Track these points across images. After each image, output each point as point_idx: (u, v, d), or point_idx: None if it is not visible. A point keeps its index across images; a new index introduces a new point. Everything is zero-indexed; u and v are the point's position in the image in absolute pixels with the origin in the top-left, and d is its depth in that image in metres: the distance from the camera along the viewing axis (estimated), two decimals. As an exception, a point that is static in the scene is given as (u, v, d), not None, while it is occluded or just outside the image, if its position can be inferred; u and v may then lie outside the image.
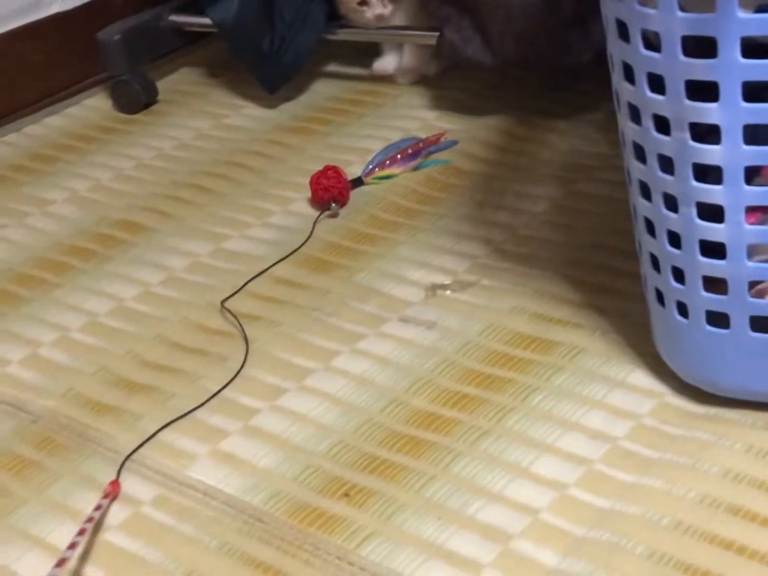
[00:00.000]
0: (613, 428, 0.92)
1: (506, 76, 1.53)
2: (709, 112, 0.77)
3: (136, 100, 1.63)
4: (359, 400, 1.00)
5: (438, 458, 0.91)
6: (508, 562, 0.81)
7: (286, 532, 0.86)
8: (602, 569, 0.79)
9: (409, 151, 1.36)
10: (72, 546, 0.84)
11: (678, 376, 0.93)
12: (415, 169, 1.36)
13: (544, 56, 1.35)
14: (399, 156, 1.36)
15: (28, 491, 0.94)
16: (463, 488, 0.88)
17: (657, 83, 0.79)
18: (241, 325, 1.11)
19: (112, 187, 1.44)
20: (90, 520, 0.87)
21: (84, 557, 0.87)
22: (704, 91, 0.78)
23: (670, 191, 0.83)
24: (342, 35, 1.58)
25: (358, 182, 1.34)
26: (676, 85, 0.78)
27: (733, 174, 0.79)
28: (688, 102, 0.78)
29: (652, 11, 0.77)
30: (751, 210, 0.81)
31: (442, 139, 1.39)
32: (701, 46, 0.76)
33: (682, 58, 0.76)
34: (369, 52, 1.62)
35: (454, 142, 1.40)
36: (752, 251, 0.82)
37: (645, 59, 0.79)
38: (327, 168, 1.31)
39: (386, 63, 1.61)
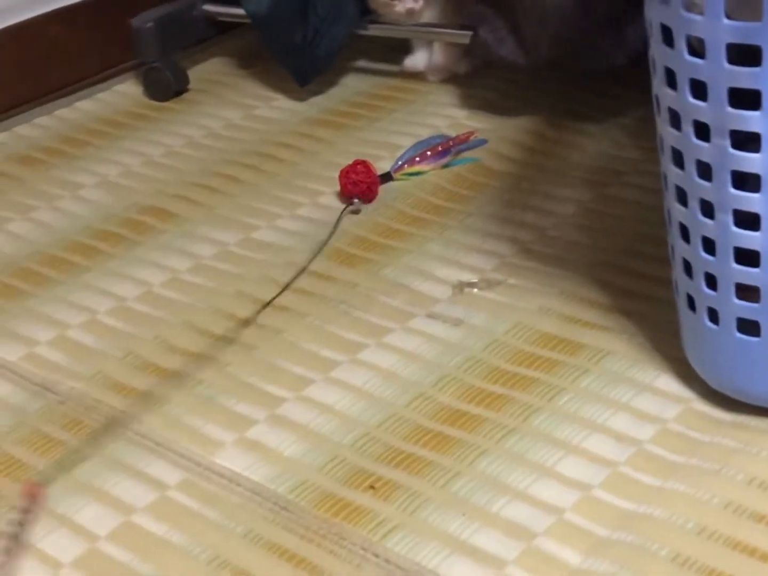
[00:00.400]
0: (638, 431, 0.92)
1: (537, 76, 1.54)
2: (750, 120, 0.78)
3: (166, 87, 1.64)
4: (385, 393, 1.00)
5: (463, 454, 0.92)
6: (531, 560, 0.82)
7: (311, 522, 0.87)
8: (626, 570, 0.79)
9: (439, 148, 1.37)
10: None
11: (705, 382, 0.94)
12: (445, 166, 1.37)
13: (578, 58, 1.35)
14: (429, 153, 1.36)
15: (55, 471, 0.95)
16: (488, 485, 0.88)
17: (699, 89, 0.80)
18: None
19: (141, 173, 1.45)
20: (12, 536, 0.85)
21: (110, 538, 0.88)
22: (746, 98, 0.78)
23: (707, 197, 0.83)
24: (374, 31, 1.58)
25: (387, 178, 1.34)
26: (718, 92, 0.78)
27: (772, 183, 0.79)
28: (729, 109, 0.78)
29: (698, 17, 0.77)
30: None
31: (472, 138, 1.39)
32: (745, 54, 0.76)
33: (726, 65, 0.77)
34: (400, 48, 1.63)
35: (484, 141, 1.40)
36: (786, 260, 0.82)
37: (688, 65, 0.79)
38: (357, 162, 1.32)
39: (417, 60, 1.62)
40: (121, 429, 0.99)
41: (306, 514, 0.88)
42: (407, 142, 1.43)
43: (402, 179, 1.35)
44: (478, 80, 1.57)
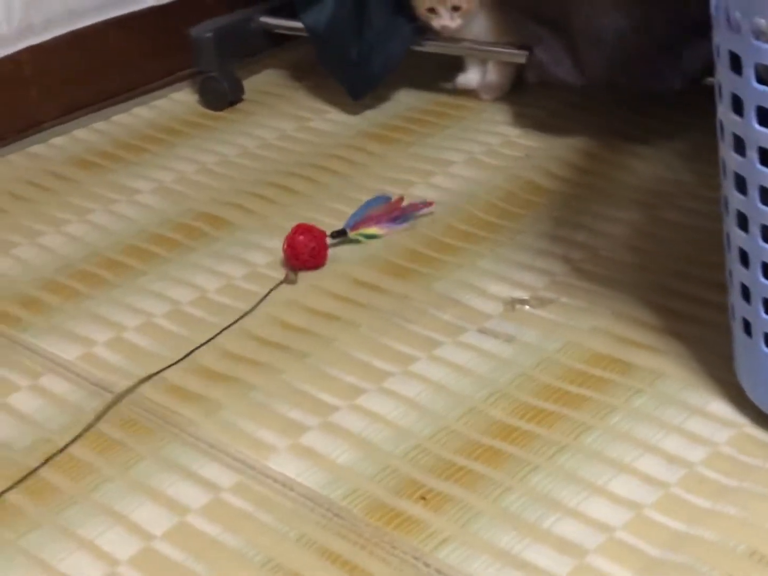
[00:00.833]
0: (690, 454, 0.93)
1: (589, 97, 1.55)
2: (816, 149, 0.78)
3: (222, 97, 1.66)
4: (436, 406, 1.01)
5: (515, 470, 0.93)
6: (582, 576, 0.82)
7: (364, 529, 0.88)
8: (677, 591, 0.80)
9: (396, 213, 1.30)
10: None
11: (758, 408, 0.94)
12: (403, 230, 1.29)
13: (634, 81, 1.36)
14: (384, 217, 1.29)
15: (112, 470, 0.97)
16: (539, 501, 0.89)
17: (765, 117, 0.80)
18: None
19: (196, 180, 1.47)
20: None
21: (165, 537, 0.89)
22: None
23: (769, 224, 0.84)
24: (429, 47, 1.60)
25: (341, 234, 1.27)
26: (785, 120, 0.79)
27: (835, 211, 0.80)
28: (796, 137, 0.79)
29: (767, 46, 0.78)
30: None
31: (427, 209, 1.32)
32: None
33: (794, 94, 0.78)
34: (453, 65, 1.64)
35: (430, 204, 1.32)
36: None
37: (756, 92, 0.80)
38: (302, 230, 1.24)
39: (470, 78, 1.63)
40: (176, 430, 1.01)
41: (358, 521, 0.89)
42: (459, 158, 1.45)
43: (357, 239, 1.28)
44: (531, 99, 1.58)
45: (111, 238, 1.35)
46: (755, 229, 0.86)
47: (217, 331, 1.14)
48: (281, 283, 1.20)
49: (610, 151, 1.44)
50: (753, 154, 0.83)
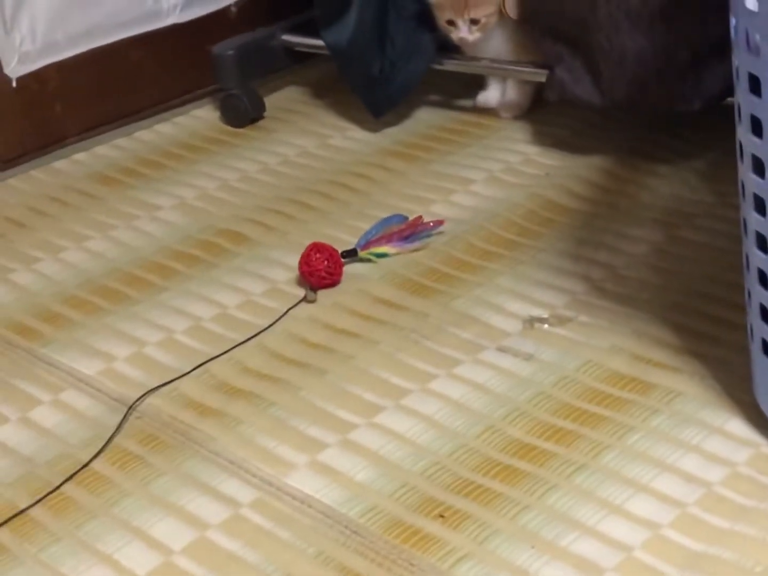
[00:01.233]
0: (708, 473, 0.93)
1: (609, 116, 1.55)
2: (836, 170, 0.79)
3: (243, 114, 1.68)
4: (455, 424, 1.02)
5: (533, 488, 0.93)
6: (600, 595, 0.83)
7: (382, 546, 0.88)
8: (695, 611, 0.80)
9: (406, 233, 1.30)
10: None
11: (777, 428, 0.94)
12: (411, 250, 1.29)
13: (655, 101, 1.36)
14: (395, 235, 1.29)
15: (132, 485, 0.98)
16: (557, 519, 0.89)
17: (785, 138, 0.81)
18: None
19: (217, 197, 1.48)
20: None
21: (184, 552, 0.90)
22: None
23: (788, 245, 0.84)
24: (450, 66, 1.61)
25: (351, 254, 1.27)
26: (804, 142, 0.79)
27: None
28: (815, 159, 0.79)
29: (787, 68, 0.78)
30: None
31: (438, 228, 1.32)
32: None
33: (814, 115, 0.78)
34: (473, 83, 1.65)
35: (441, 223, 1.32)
36: None
37: (775, 114, 0.80)
38: (317, 248, 1.24)
39: (489, 96, 1.64)
40: (195, 446, 1.01)
41: (376, 538, 0.89)
42: (479, 176, 1.45)
43: (367, 258, 1.28)
44: (550, 118, 1.59)
45: (132, 254, 1.36)
46: (775, 250, 0.86)
47: (235, 346, 1.14)
48: (300, 301, 1.21)
49: (629, 170, 1.44)
50: (772, 175, 0.83)
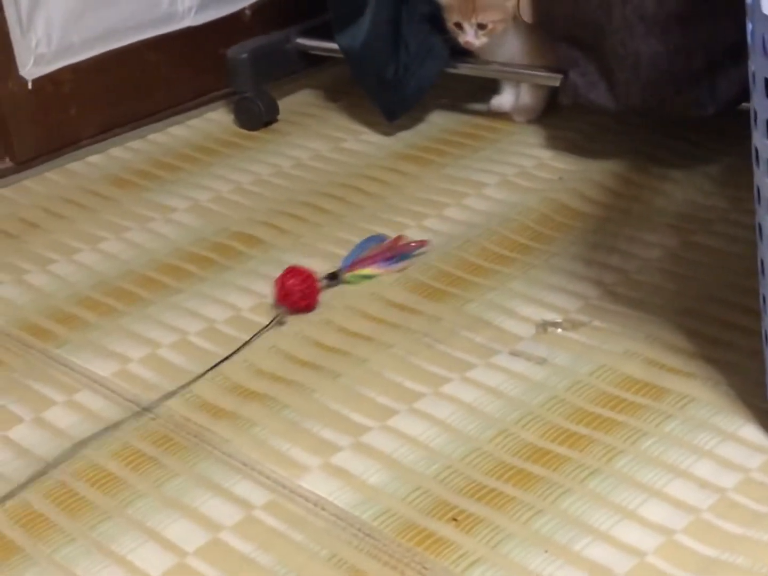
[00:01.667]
0: (721, 479, 0.92)
1: (623, 120, 1.55)
2: None
3: (257, 117, 1.68)
4: (468, 427, 1.02)
5: (546, 492, 0.93)
6: (613, 600, 0.82)
7: (395, 550, 0.89)
8: (708, 617, 0.80)
9: (388, 253, 1.28)
10: None
11: (791, 434, 0.94)
12: (397, 270, 1.27)
13: (669, 106, 1.36)
14: (378, 256, 1.27)
15: (146, 486, 0.98)
16: (570, 524, 0.89)
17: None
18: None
19: (231, 200, 1.49)
20: None
21: (198, 554, 0.90)
22: None
23: (804, 250, 0.84)
24: (463, 69, 1.61)
25: (334, 277, 1.25)
26: (821, 147, 0.79)
27: None
28: (831, 164, 0.79)
29: (803, 73, 0.78)
30: None
31: (421, 249, 1.30)
32: None
33: (831, 121, 0.78)
34: (487, 87, 1.65)
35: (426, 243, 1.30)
36: None
37: (791, 119, 0.80)
38: (294, 272, 1.22)
39: (503, 100, 1.64)
40: (209, 447, 1.02)
41: (389, 541, 0.89)
42: (492, 181, 1.45)
43: (352, 281, 1.26)
44: (564, 122, 1.59)
45: (146, 255, 1.36)
46: (790, 256, 0.86)
47: (240, 347, 1.14)
48: (273, 322, 1.18)
49: (643, 174, 1.44)
50: (788, 181, 0.83)
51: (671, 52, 1.32)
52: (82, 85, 1.66)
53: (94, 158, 1.64)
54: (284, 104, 1.72)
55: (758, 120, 0.85)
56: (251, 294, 1.26)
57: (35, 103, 1.63)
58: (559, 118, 1.60)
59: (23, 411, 1.10)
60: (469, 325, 1.17)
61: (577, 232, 1.33)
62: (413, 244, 1.30)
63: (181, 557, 0.90)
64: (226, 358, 1.14)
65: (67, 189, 1.56)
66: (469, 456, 0.98)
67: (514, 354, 1.12)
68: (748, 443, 0.96)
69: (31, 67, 1.62)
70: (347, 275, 1.26)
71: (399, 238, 1.30)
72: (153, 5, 1.72)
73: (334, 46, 1.62)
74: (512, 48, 1.55)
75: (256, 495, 0.96)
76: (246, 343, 1.16)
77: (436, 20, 1.57)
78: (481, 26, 1.52)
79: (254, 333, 1.17)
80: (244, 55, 1.67)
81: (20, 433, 1.07)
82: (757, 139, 0.87)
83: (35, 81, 1.62)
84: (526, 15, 1.52)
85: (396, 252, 1.29)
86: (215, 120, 1.73)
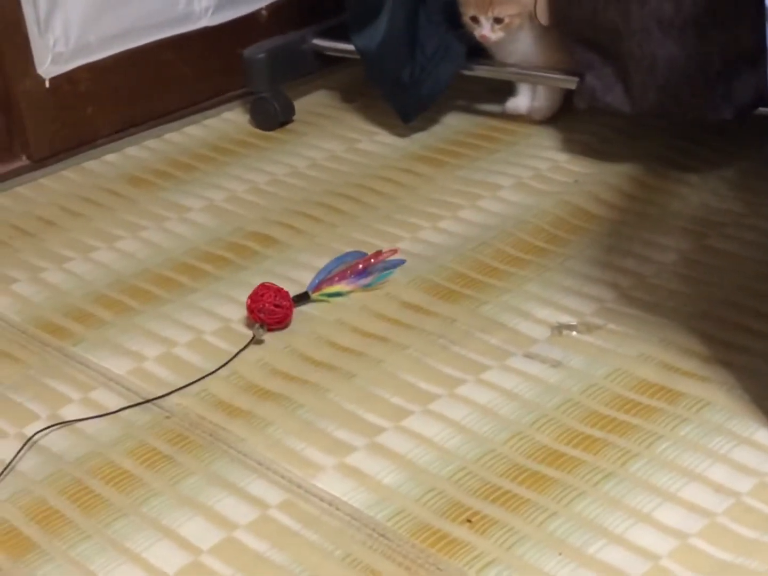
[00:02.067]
0: (737, 483, 0.92)
1: (639, 124, 1.55)
2: None
3: (273, 117, 1.68)
4: (483, 429, 1.02)
5: (560, 495, 0.93)
6: (627, 603, 0.83)
7: (409, 550, 0.89)
8: (722, 621, 0.80)
9: (360, 266, 1.26)
10: None
11: (806, 439, 0.94)
12: (366, 287, 1.25)
13: (686, 110, 1.36)
14: (349, 272, 1.26)
15: (161, 484, 0.98)
16: (584, 527, 0.89)
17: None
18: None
19: (246, 199, 1.49)
20: None
21: (212, 552, 0.90)
22: None
23: (821, 255, 0.84)
24: (479, 71, 1.61)
25: (303, 298, 1.23)
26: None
27: None
28: None
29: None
30: None
31: (392, 257, 1.28)
32: None
33: None
34: (502, 89, 1.65)
35: (402, 261, 1.29)
36: None
37: (810, 124, 0.80)
38: (263, 288, 1.20)
39: (519, 102, 1.64)
40: (224, 446, 1.02)
41: (404, 542, 0.90)
42: (507, 183, 1.45)
43: (321, 300, 1.24)
44: (580, 125, 1.59)
45: (162, 254, 1.37)
46: (807, 261, 0.86)
47: (260, 348, 1.15)
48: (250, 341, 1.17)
49: (658, 178, 1.44)
50: (806, 186, 0.83)
51: (688, 55, 1.32)
52: (99, 84, 1.67)
53: (110, 157, 1.64)
54: (300, 105, 1.73)
55: (777, 124, 0.85)
56: (266, 294, 1.27)
57: (52, 101, 1.63)
58: (574, 121, 1.60)
59: (39, 408, 1.10)
60: (484, 327, 1.17)
61: (593, 235, 1.33)
62: (387, 252, 1.27)
63: (195, 555, 0.90)
64: (235, 356, 1.14)
65: (84, 187, 1.56)
66: (483, 458, 0.98)
67: (529, 356, 1.12)
68: (763, 447, 0.96)
69: (48, 65, 1.63)
70: (315, 294, 1.23)
71: (376, 253, 1.28)
72: (170, 5, 1.73)
73: (350, 47, 1.62)
74: (526, 47, 1.55)
75: (271, 494, 0.96)
76: (258, 342, 1.16)
77: (452, 22, 1.57)
78: (497, 20, 1.52)
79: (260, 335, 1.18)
80: (261, 56, 1.68)
81: (36, 430, 1.07)
82: (776, 144, 0.87)
83: (52, 80, 1.63)
84: (543, 18, 1.52)
85: (367, 265, 1.26)
86: (231, 120, 1.73)
